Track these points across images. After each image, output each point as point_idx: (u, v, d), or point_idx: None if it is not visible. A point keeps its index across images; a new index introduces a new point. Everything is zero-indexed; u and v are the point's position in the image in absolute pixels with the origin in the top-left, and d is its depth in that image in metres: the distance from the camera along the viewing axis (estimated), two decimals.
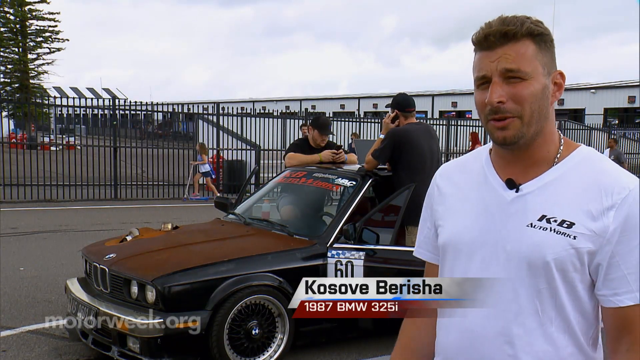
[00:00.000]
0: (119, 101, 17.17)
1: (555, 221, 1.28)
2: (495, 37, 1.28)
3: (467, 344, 1.36)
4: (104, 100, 19.11)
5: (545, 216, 1.29)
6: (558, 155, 1.35)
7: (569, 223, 1.27)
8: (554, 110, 1.37)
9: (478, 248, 1.36)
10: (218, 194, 14.11)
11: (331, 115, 22.16)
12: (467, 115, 35.03)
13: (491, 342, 1.32)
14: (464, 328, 1.36)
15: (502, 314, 1.31)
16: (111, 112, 15.58)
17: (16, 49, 36.73)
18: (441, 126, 19.68)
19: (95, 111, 20.09)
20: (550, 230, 1.28)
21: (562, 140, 1.38)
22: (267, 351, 4.27)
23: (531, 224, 1.30)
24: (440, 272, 1.49)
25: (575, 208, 1.28)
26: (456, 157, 18.16)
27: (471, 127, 19.25)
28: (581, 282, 1.28)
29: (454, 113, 40.71)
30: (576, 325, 1.30)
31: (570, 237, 1.26)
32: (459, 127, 19.74)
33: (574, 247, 1.26)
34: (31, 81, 36.88)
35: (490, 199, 1.38)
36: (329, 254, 4.47)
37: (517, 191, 1.34)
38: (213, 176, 15.21)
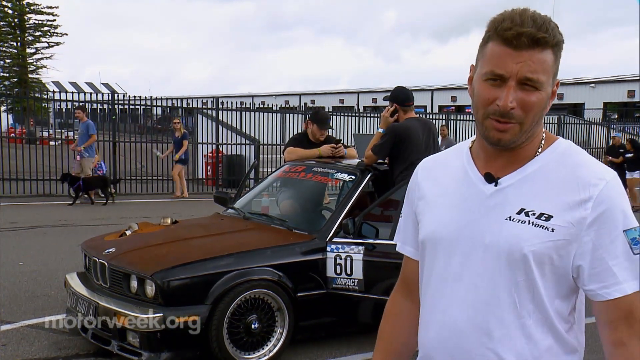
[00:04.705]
0: (118, 96, 17.14)
1: (534, 214, 1.29)
2: (527, 39, 1.24)
3: (447, 337, 1.37)
4: (103, 95, 19.08)
5: (524, 209, 1.30)
6: (539, 149, 1.35)
7: (547, 216, 1.27)
8: None
9: (457, 242, 1.37)
10: None
11: (330, 109, 22.10)
12: (466, 110, 34.98)
13: (470, 335, 1.33)
14: (444, 322, 1.38)
15: (481, 307, 1.32)
16: (110, 107, 15.57)
17: (15, 44, 36.66)
18: (441, 121, 19.67)
19: (95, 106, 20.04)
20: (529, 223, 1.28)
21: (544, 135, 1.38)
22: (267, 345, 4.28)
23: (510, 217, 1.31)
24: (420, 268, 1.49)
25: (554, 201, 1.28)
26: None
27: (471, 122, 19.25)
28: (560, 275, 1.29)
29: (453, 108, 40.67)
30: (555, 319, 1.31)
31: (548, 229, 1.27)
32: (458, 121, 19.73)
33: (552, 240, 1.26)
34: (30, 76, 36.81)
35: (469, 193, 1.38)
36: (328, 249, 4.47)
37: (495, 185, 1.35)
38: None
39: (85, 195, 12.19)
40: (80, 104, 14.07)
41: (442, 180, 1.46)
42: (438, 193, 1.45)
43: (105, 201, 12.22)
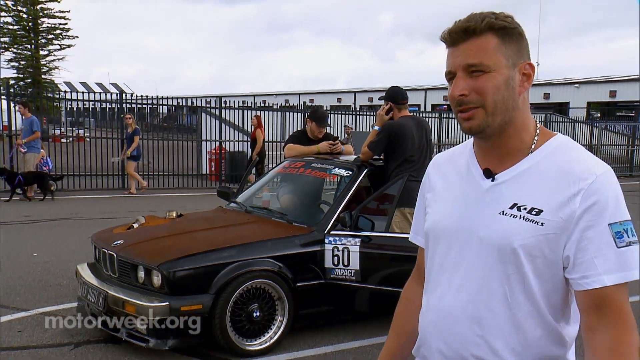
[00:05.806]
0: (126, 95, 17.08)
1: (525, 209, 1.28)
2: (457, 34, 1.30)
3: (441, 323, 1.38)
4: (111, 95, 19.03)
5: (517, 204, 1.30)
6: (533, 145, 1.34)
7: (537, 210, 1.27)
8: (528, 101, 1.36)
9: (456, 235, 1.37)
10: None
11: (328, 108, 22.06)
12: None
13: (462, 323, 1.34)
14: (440, 309, 1.39)
15: (474, 297, 1.33)
16: (118, 106, 15.54)
17: (29, 46, 36.62)
18: (433, 119, 19.64)
19: (104, 105, 20.02)
20: (520, 217, 1.28)
21: (538, 130, 1.37)
22: (268, 333, 4.28)
23: (503, 211, 1.30)
24: (426, 257, 1.51)
25: (545, 195, 1.27)
26: (448, 148, 18.13)
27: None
28: (550, 268, 1.28)
29: (445, 106, 40.64)
30: (547, 310, 1.30)
31: (538, 223, 1.26)
32: (450, 119, 19.69)
33: (542, 234, 1.26)
34: (43, 76, 36.79)
35: (470, 188, 1.39)
36: (326, 241, 4.46)
37: (492, 180, 1.35)
38: None
39: (20, 190, 11.44)
40: (25, 100, 13.21)
41: (449, 175, 1.47)
42: (444, 187, 1.46)
43: (42, 197, 11.49)
